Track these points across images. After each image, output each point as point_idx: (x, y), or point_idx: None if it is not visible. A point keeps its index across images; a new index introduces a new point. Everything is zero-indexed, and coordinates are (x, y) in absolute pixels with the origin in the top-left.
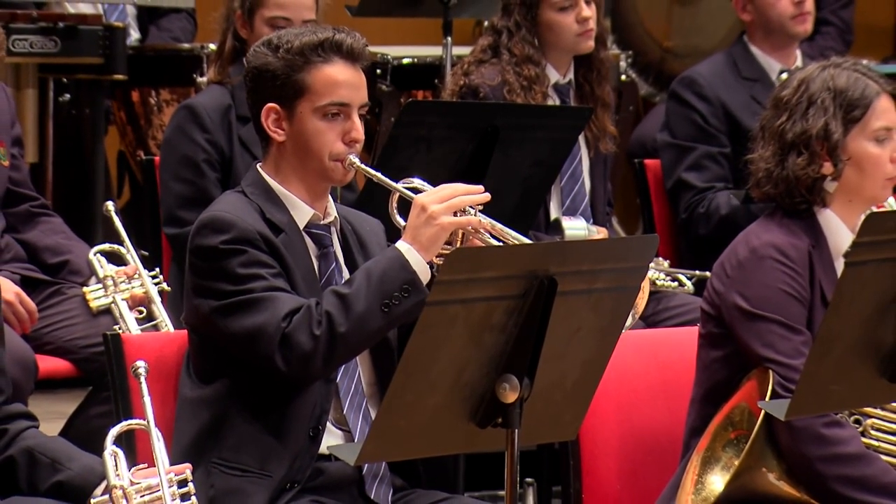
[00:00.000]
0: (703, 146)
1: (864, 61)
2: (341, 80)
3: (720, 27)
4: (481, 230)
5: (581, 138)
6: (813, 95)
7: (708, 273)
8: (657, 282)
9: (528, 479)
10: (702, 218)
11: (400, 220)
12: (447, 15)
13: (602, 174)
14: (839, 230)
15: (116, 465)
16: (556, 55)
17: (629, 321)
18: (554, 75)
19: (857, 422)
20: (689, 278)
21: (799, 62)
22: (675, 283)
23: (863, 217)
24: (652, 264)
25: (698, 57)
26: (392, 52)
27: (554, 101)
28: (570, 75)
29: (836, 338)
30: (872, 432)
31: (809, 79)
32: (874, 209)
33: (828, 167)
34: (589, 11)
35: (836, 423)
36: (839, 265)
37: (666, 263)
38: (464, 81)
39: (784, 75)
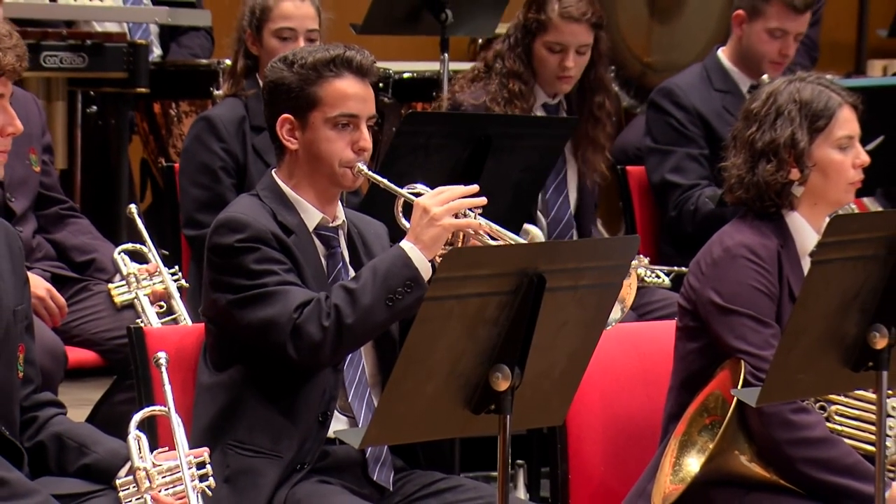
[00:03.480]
0: (683, 149)
1: (828, 76)
2: (351, 93)
3: (696, 44)
4: (480, 232)
5: (570, 157)
6: (780, 107)
7: (685, 269)
8: (645, 278)
9: (519, 461)
10: (690, 214)
11: (405, 223)
12: (444, 33)
13: (589, 190)
14: (806, 231)
15: (139, 448)
16: (544, 81)
17: (619, 313)
18: (542, 96)
19: (822, 408)
20: (668, 274)
21: (766, 77)
22: (658, 279)
23: (828, 219)
24: (635, 261)
25: (676, 71)
26: (393, 66)
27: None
28: (561, 97)
29: (803, 330)
30: (836, 417)
31: (777, 92)
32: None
33: (795, 173)
34: (571, 63)
35: (803, 409)
36: (806, 264)
37: (646, 260)
38: (450, 97)
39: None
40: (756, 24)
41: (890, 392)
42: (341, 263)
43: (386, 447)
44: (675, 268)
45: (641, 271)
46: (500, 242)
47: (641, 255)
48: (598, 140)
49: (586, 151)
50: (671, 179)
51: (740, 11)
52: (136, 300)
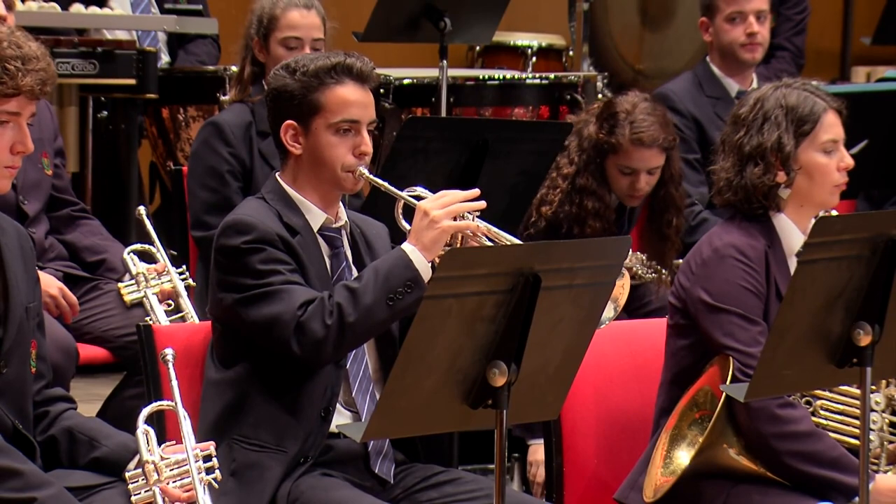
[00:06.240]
0: (679, 153)
1: (814, 82)
2: (352, 99)
3: (686, 51)
4: (478, 234)
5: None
6: (767, 112)
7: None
8: (642, 274)
9: (515, 454)
10: (688, 228)
11: (405, 225)
12: (443, 41)
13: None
14: (792, 232)
15: (148, 442)
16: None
17: (612, 313)
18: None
19: (808, 403)
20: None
21: (755, 84)
22: (656, 275)
23: (813, 220)
24: (633, 258)
25: (667, 78)
26: (394, 73)
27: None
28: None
29: (790, 328)
30: (822, 412)
31: (764, 97)
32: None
33: (781, 176)
34: (642, 185)
35: (789, 404)
36: (792, 263)
37: (644, 257)
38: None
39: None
40: (716, 21)
41: (873, 388)
42: (345, 263)
43: (387, 441)
44: (673, 260)
45: (639, 268)
46: (498, 244)
47: (639, 253)
48: (666, 257)
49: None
50: None
51: (702, 18)
52: (144, 299)
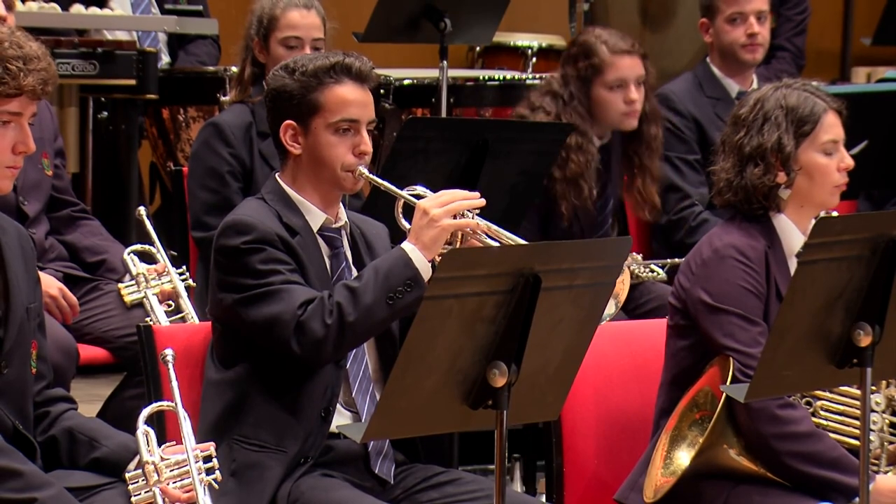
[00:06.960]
0: (680, 153)
1: (814, 82)
2: (351, 99)
3: (686, 52)
4: (478, 232)
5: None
6: (767, 113)
7: (679, 260)
8: (639, 274)
9: (516, 455)
10: (688, 228)
11: (405, 224)
12: (443, 41)
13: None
14: (792, 233)
15: (148, 442)
16: (599, 125)
17: (612, 309)
18: (595, 140)
19: (808, 403)
20: (662, 267)
21: (755, 84)
22: (653, 273)
23: (814, 221)
24: (630, 258)
25: (667, 79)
26: (394, 73)
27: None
28: (607, 138)
29: (790, 328)
30: (822, 413)
31: (764, 98)
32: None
33: (782, 177)
34: (636, 94)
35: (790, 404)
36: (792, 264)
37: (640, 257)
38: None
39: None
40: (717, 22)
41: (873, 388)
42: (345, 263)
43: (388, 441)
44: (669, 260)
45: (635, 268)
46: (499, 242)
47: (634, 253)
48: (654, 171)
49: (645, 183)
50: (673, 180)
51: (702, 19)
52: (145, 299)
